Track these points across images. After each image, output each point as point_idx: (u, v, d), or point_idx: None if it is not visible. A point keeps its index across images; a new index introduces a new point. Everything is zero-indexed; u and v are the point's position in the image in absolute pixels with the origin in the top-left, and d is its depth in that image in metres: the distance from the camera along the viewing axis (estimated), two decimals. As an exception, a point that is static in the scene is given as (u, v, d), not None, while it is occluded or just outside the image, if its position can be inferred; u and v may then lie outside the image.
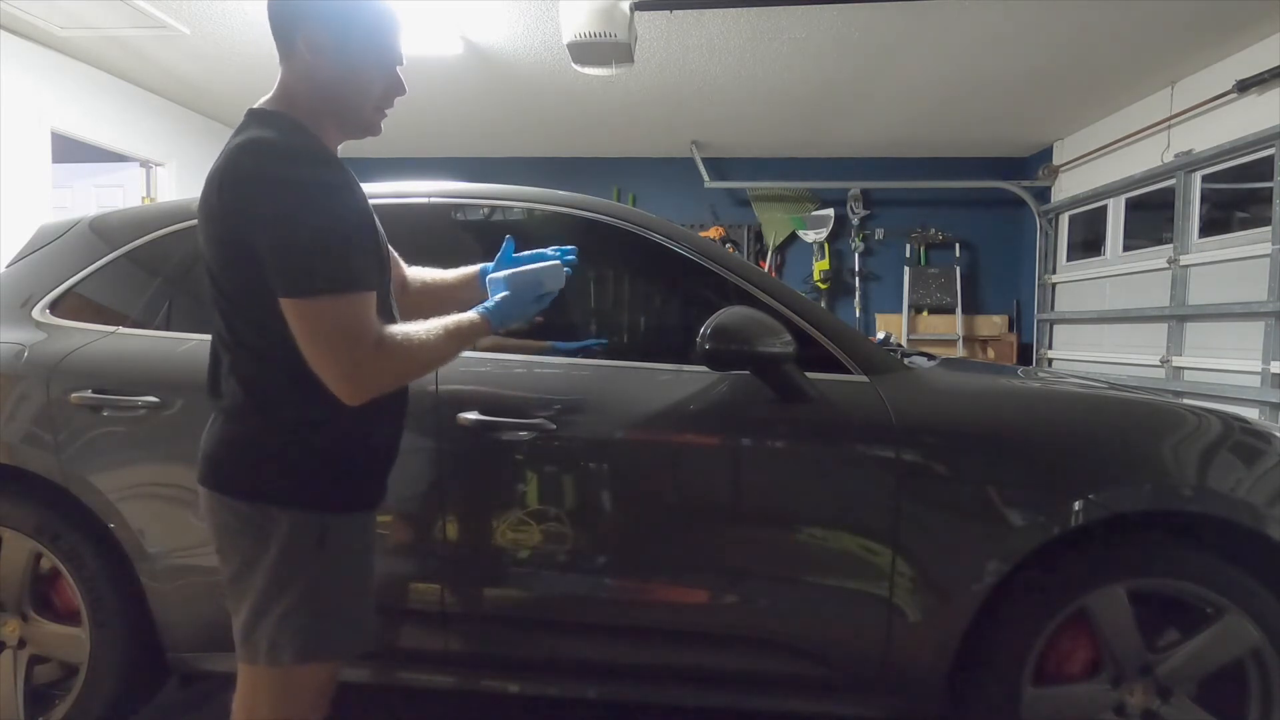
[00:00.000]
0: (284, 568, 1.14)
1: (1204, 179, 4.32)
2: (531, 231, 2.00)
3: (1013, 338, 6.21)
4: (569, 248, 1.47)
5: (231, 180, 1.08)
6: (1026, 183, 6.07)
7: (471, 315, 1.26)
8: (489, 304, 1.30)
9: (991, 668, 1.58)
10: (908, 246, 6.39)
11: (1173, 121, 4.48)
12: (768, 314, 1.59)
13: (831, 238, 6.37)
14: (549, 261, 1.38)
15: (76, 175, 5.14)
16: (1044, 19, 3.62)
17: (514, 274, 1.33)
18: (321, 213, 1.07)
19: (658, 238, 1.82)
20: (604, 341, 1.63)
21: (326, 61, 1.15)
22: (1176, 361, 4.39)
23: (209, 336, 1.23)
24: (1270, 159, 3.72)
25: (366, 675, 1.74)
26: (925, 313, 6.29)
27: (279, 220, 1.05)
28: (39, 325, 1.86)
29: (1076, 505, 1.54)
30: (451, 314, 1.23)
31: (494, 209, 1.97)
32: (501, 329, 1.30)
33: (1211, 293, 4.17)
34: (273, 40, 1.18)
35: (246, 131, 1.13)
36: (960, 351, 6.10)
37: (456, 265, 1.95)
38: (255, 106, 1.18)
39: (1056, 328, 5.93)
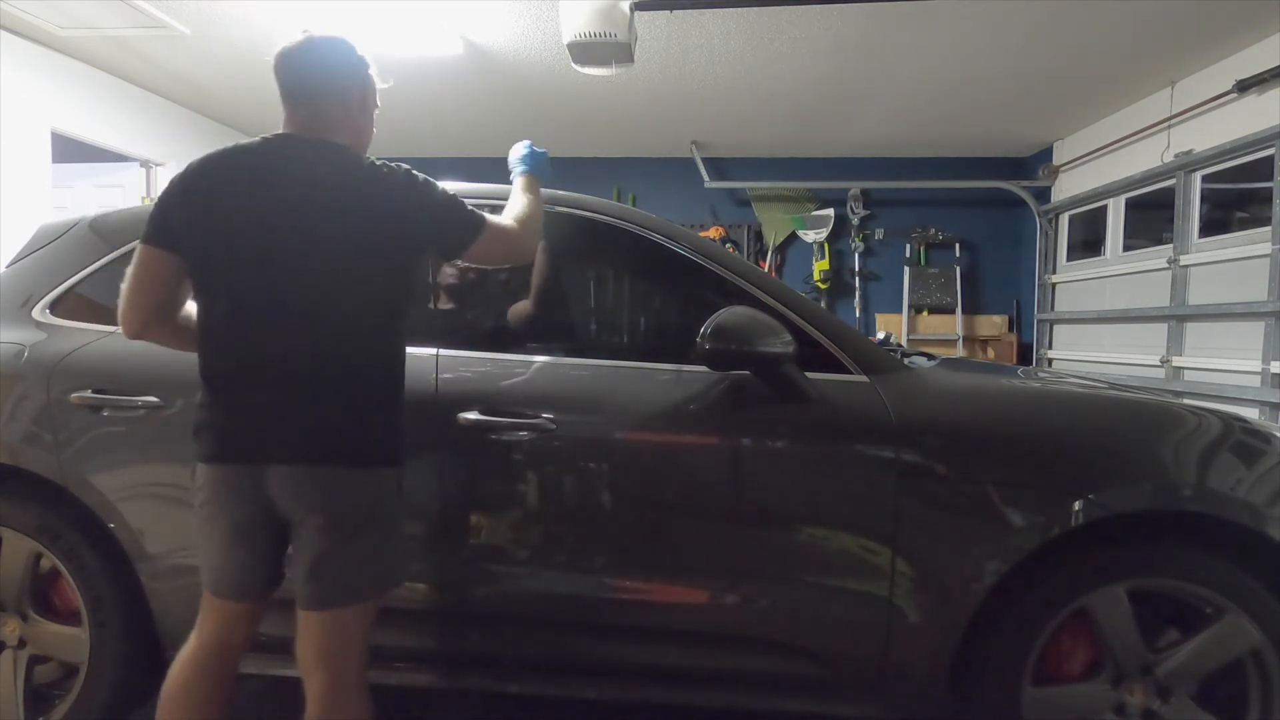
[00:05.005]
0: (392, 518, 1.38)
1: (1204, 179, 4.32)
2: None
3: (1013, 338, 6.21)
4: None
5: (384, 193, 1.34)
6: (1026, 183, 6.07)
7: (523, 180, 1.70)
8: (523, 167, 1.73)
9: (991, 668, 1.58)
10: (908, 246, 6.39)
11: (1173, 121, 4.48)
12: (768, 314, 1.59)
13: (831, 238, 6.37)
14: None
15: (76, 175, 5.13)
16: (1044, 20, 3.62)
17: (532, 151, 1.76)
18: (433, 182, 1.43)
19: (658, 238, 1.82)
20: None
21: (367, 112, 1.48)
22: (1176, 361, 4.39)
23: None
24: (1270, 159, 3.71)
25: (368, 675, 1.73)
26: (925, 313, 6.29)
27: (431, 198, 1.39)
28: (39, 325, 1.86)
29: (1076, 505, 1.54)
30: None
31: (494, 209, 1.96)
32: (543, 178, 1.75)
33: (1211, 293, 4.17)
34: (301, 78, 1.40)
35: (349, 158, 1.36)
36: (960, 351, 6.10)
37: (454, 265, 1.95)
38: (321, 139, 1.38)
39: (1056, 328, 5.92)
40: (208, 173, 1.33)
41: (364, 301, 1.34)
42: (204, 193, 1.32)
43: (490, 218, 1.48)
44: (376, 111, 1.51)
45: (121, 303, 1.37)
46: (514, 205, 1.63)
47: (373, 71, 1.48)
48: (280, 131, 1.40)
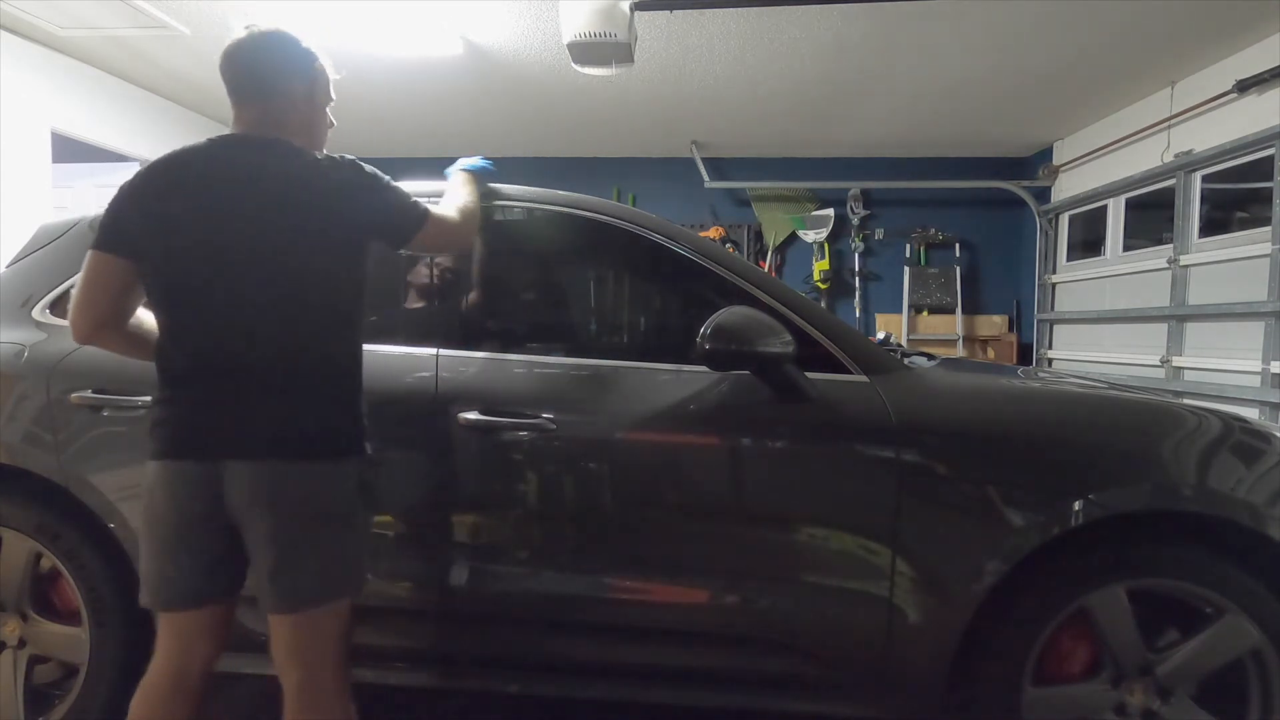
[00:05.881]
0: (351, 515, 1.37)
1: (1204, 179, 4.31)
2: (531, 231, 2.00)
3: (1013, 338, 6.21)
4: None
5: (329, 186, 1.34)
6: (1026, 183, 6.07)
7: (462, 175, 1.76)
8: (466, 167, 1.79)
9: (991, 668, 1.58)
10: (908, 246, 6.39)
11: (1173, 121, 4.48)
12: (768, 314, 1.59)
13: (831, 238, 6.37)
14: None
15: (76, 175, 5.13)
16: (1044, 20, 3.62)
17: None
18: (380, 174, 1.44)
19: (658, 238, 1.82)
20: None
21: (317, 107, 1.47)
22: (1176, 361, 4.39)
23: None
24: (1270, 159, 3.71)
25: (368, 675, 1.73)
26: (925, 313, 6.28)
27: (378, 188, 1.40)
28: (39, 325, 1.86)
29: (1076, 505, 1.54)
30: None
31: (494, 209, 1.97)
32: (482, 179, 1.81)
33: (1211, 293, 4.17)
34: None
35: (295, 153, 1.36)
36: (960, 351, 6.09)
37: (453, 265, 1.94)
38: (268, 137, 1.38)
39: (1056, 328, 5.92)
40: (156, 177, 1.34)
41: (317, 294, 1.35)
42: (154, 197, 1.33)
43: (433, 209, 1.50)
44: (331, 104, 1.51)
45: (72, 308, 1.36)
46: (454, 197, 1.67)
47: (320, 64, 1.47)
48: (229, 132, 1.40)
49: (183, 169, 1.34)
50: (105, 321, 1.37)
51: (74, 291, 1.37)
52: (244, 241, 1.30)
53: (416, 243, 1.48)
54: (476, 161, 1.84)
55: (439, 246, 1.59)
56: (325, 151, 1.42)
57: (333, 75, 1.51)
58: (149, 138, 5.05)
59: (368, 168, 1.41)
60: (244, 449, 1.28)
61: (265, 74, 1.41)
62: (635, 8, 3.14)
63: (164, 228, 1.31)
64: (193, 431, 1.30)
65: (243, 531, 1.31)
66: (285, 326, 1.32)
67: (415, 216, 1.46)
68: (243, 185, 1.32)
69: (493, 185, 1.85)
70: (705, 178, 6.29)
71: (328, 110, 1.51)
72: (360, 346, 1.44)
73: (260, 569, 1.30)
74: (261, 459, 1.28)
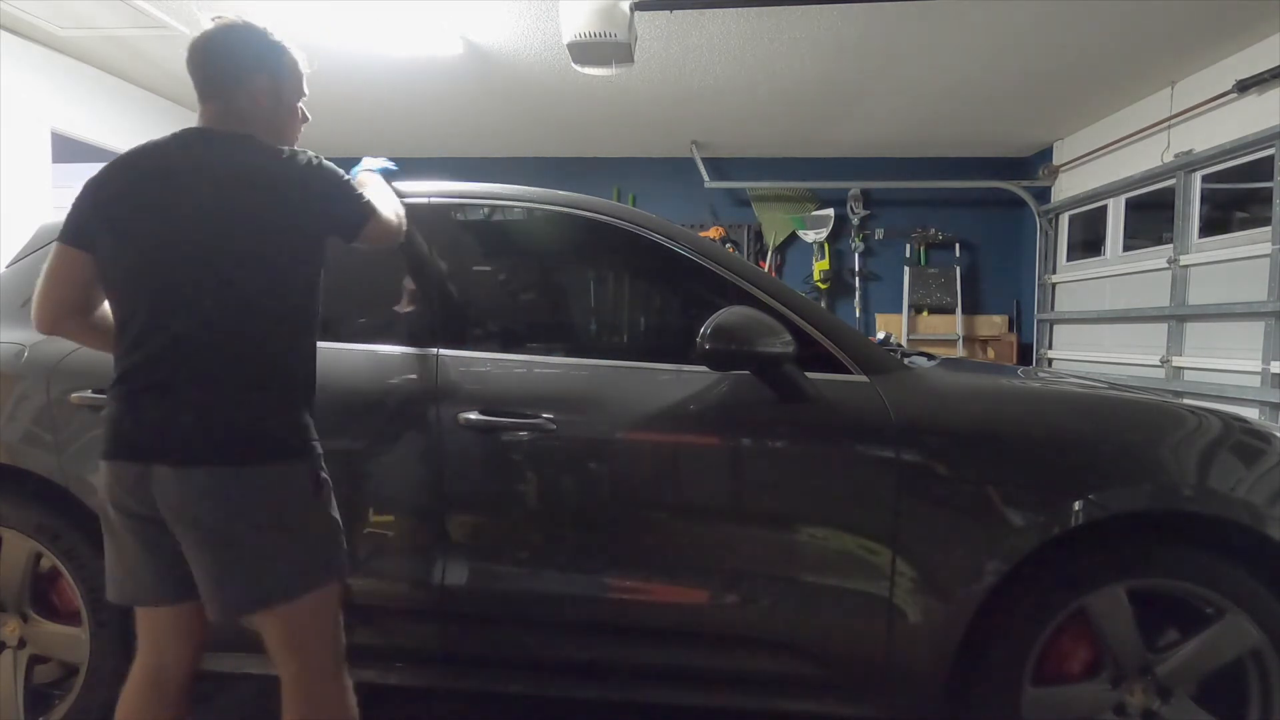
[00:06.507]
0: (300, 515, 1.31)
1: (1204, 179, 4.31)
2: (531, 231, 2.00)
3: (1013, 338, 6.21)
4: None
5: (288, 180, 1.32)
6: (1026, 183, 6.07)
7: (365, 177, 1.68)
8: (371, 169, 1.74)
9: (991, 668, 1.58)
10: (908, 246, 6.39)
11: (1173, 121, 4.48)
12: (768, 314, 1.59)
13: (831, 238, 6.37)
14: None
15: (76, 175, 5.12)
16: (1044, 20, 3.62)
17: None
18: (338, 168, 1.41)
19: (658, 238, 1.82)
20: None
21: (284, 102, 1.44)
22: (1176, 361, 4.39)
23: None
24: (1270, 159, 3.71)
25: (368, 675, 1.73)
26: (925, 313, 6.29)
27: (333, 182, 1.37)
28: (39, 325, 1.86)
29: (1076, 505, 1.54)
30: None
31: (494, 209, 1.97)
32: (386, 180, 1.74)
33: (1211, 293, 4.17)
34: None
35: (256, 148, 1.33)
36: (960, 351, 6.10)
37: (453, 265, 1.95)
38: (231, 131, 1.35)
39: (1056, 328, 5.92)
40: (115, 172, 1.34)
41: (266, 290, 1.31)
42: (111, 191, 1.32)
43: (375, 205, 1.46)
44: (304, 99, 1.48)
45: (34, 298, 1.37)
46: (382, 195, 1.61)
47: (290, 58, 1.44)
48: (193, 126, 1.38)
49: (140, 163, 1.33)
50: (63, 314, 1.37)
51: (37, 282, 1.37)
52: (190, 236, 1.28)
53: (363, 237, 1.45)
54: (381, 163, 1.80)
55: (380, 242, 1.51)
56: (293, 147, 1.40)
57: (305, 69, 1.47)
58: (149, 138, 5.03)
59: (329, 164, 1.38)
60: (167, 453, 1.24)
61: (227, 67, 1.37)
62: (635, 8, 3.14)
63: (116, 222, 1.30)
64: (126, 430, 1.28)
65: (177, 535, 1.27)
66: (229, 324, 1.28)
67: (366, 211, 1.42)
68: (196, 180, 1.29)
69: (396, 185, 1.78)
70: (705, 178, 6.29)
71: (300, 105, 1.48)
72: (313, 345, 1.40)
73: (199, 578, 1.27)
74: (184, 464, 1.23)
